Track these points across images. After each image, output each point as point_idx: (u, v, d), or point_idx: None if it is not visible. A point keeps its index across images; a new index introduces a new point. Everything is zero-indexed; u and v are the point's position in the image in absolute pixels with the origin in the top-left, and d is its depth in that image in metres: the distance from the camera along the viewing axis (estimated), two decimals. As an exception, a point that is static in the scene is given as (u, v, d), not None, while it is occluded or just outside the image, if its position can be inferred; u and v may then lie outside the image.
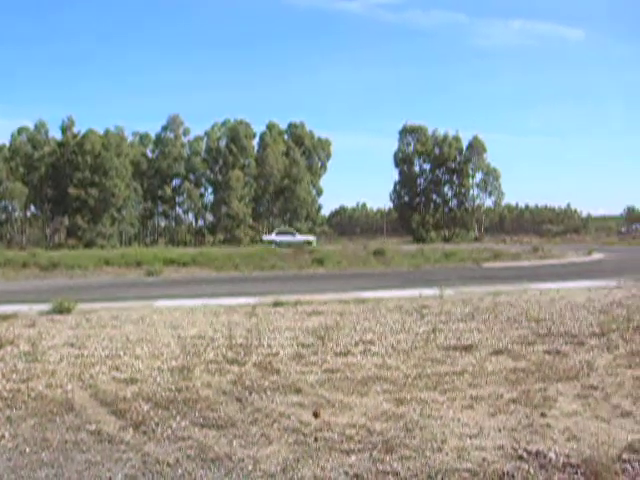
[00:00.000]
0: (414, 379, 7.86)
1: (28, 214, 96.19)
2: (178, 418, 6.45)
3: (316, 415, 6.39)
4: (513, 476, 4.89)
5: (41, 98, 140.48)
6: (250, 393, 7.36)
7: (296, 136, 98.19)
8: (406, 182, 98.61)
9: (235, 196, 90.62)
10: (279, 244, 55.83)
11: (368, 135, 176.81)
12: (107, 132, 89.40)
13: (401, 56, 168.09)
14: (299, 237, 63.15)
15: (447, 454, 5.33)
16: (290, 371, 8.40)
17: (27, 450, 5.64)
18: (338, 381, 7.84)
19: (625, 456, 5.22)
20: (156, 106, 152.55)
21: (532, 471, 4.96)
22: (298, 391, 7.41)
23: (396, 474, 4.96)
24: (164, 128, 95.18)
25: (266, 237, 67.32)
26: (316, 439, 5.71)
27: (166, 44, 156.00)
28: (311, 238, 63.32)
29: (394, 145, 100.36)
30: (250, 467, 5.13)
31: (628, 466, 5.04)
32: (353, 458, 5.29)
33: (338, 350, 9.56)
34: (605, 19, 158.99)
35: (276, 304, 14.47)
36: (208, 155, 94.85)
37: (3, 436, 6.03)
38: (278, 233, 65.61)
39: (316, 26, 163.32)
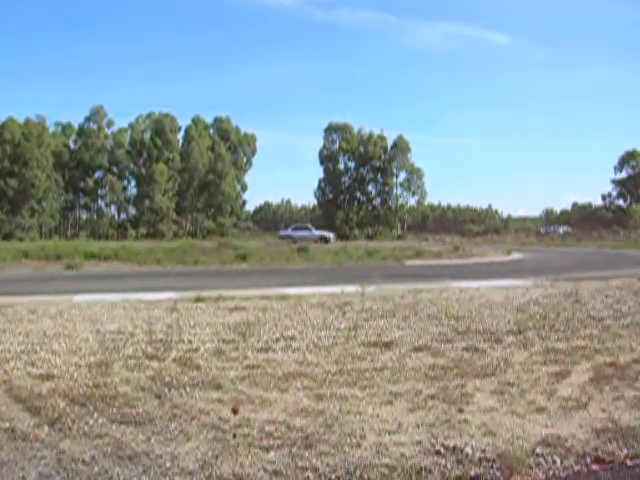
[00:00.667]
0: (334, 375, 7.87)
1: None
2: (95, 415, 6.30)
3: (235, 411, 6.34)
4: (431, 471, 4.94)
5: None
6: (169, 389, 7.25)
7: (222, 131, 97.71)
8: (331, 179, 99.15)
9: (159, 190, 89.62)
10: (295, 239, 55.44)
11: (294, 132, 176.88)
12: (28, 121, 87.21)
13: (329, 54, 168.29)
14: (316, 232, 63.11)
15: (366, 450, 5.35)
16: (210, 367, 8.32)
17: None
18: (258, 377, 7.80)
19: (539, 450, 5.33)
20: (79, 96, 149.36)
21: (449, 466, 5.02)
22: (218, 387, 7.34)
23: (315, 470, 4.95)
24: (87, 119, 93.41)
25: (282, 232, 66.74)
26: (234, 435, 5.66)
27: (91, 33, 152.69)
28: (327, 234, 63.09)
29: (320, 142, 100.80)
30: (168, 464, 5.05)
31: (542, 460, 5.15)
32: (272, 454, 5.26)
33: (259, 346, 9.51)
34: (528, 25, 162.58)
35: (198, 299, 14.32)
36: (132, 148, 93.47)
37: None
38: (294, 228, 65.31)
39: (244, 21, 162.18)
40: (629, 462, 5.17)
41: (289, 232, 63.76)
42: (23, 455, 5.28)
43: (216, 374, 7.95)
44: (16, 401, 6.84)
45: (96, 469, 4.98)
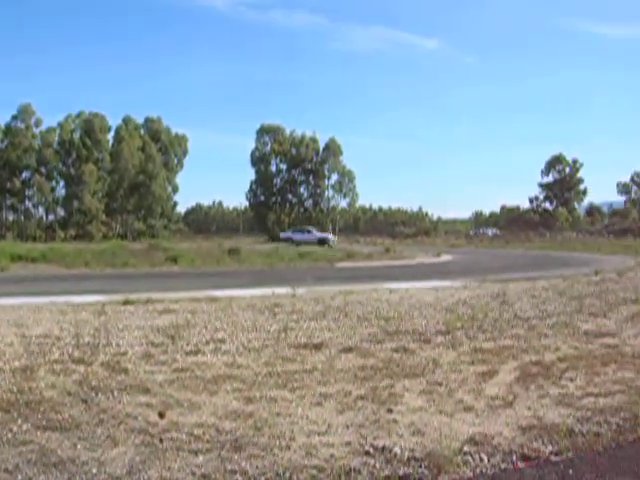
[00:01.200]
0: (264, 377, 7.83)
1: None
2: (19, 421, 6.12)
3: (161, 415, 6.25)
4: (359, 471, 4.95)
5: None
6: (96, 394, 7.10)
7: (152, 131, 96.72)
8: (262, 181, 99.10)
9: (88, 191, 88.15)
10: (296, 242, 54.69)
11: (226, 133, 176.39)
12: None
13: (263, 55, 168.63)
14: (317, 234, 62.39)
15: (295, 451, 5.33)
16: (139, 370, 8.18)
17: None
18: (187, 380, 7.70)
19: (466, 449, 5.39)
20: (6, 94, 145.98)
21: (378, 466, 5.03)
22: (146, 391, 7.23)
23: (244, 473, 4.91)
24: (14, 117, 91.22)
25: (283, 235, 65.89)
26: (161, 440, 5.57)
27: (20, 32, 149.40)
28: (330, 236, 62.37)
29: (252, 144, 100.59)
30: (95, 470, 4.93)
31: (469, 458, 5.20)
32: (201, 458, 5.19)
33: (188, 349, 9.40)
34: (459, 32, 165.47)
35: (126, 302, 14.10)
36: (61, 147, 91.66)
37: None
38: (294, 231, 64.56)
39: (177, 21, 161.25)
40: (554, 458, 5.26)
41: (289, 234, 63.43)
42: (-58, 464, 5.10)
43: (144, 378, 7.82)
44: None
45: (20, 477, 4.83)
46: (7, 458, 5.19)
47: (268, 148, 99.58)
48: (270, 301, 14.56)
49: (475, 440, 5.59)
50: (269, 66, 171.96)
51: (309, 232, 63.70)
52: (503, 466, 5.13)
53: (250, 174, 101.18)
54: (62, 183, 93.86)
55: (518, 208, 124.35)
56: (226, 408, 6.57)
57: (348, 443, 5.51)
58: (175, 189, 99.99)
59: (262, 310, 13.13)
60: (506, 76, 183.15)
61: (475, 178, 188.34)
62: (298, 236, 60.91)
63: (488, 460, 5.20)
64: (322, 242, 58.68)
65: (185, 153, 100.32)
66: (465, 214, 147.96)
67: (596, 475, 4.86)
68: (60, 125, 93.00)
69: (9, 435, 5.73)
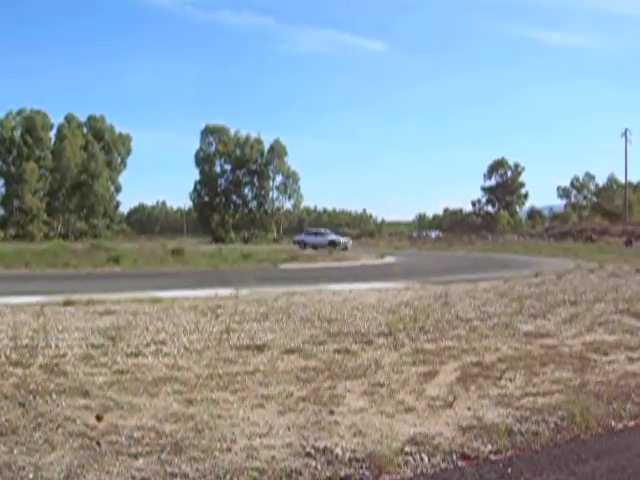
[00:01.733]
0: (205, 379, 7.78)
1: None
2: (-54, 426, 5.99)
3: (99, 418, 6.15)
4: (301, 473, 4.94)
5: None
6: (34, 397, 6.96)
7: (96, 130, 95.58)
8: (206, 182, 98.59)
9: (29, 189, 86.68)
10: (309, 245, 53.45)
11: (171, 133, 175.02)
12: None
13: (208, 55, 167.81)
14: (330, 237, 60.13)
15: (236, 454, 5.30)
16: (78, 373, 8.05)
17: None
18: (128, 382, 7.60)
19: (407, 449, 5.42)
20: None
21: (319, 467, 5.03)
22: (85, 394, 7.11)
23: (185, 476, 4.86)
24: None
25: (297, 237, 63.74)
26: (98, 443, 5.48)
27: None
28: (339, 238, 59.75)
29: (196, 144, 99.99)
30: (31, 475, 4.82)
31: (410, 458, 5.23)
32: (141, 461, 5.12)
33: (129, 351, 9.28)
34: (402, 34, 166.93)
35: (67, 303, 13.87)
36: (1, 145, 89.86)
37: None
38: (308, 233, 62.49)
39: (123, 20, 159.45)
40: (493, 457, 5.32)
41: (302, 237, 61.57)
42: None
43: (84, 380, 7.70)
44: None
45: (-49, 485, 4.73)
46: (-61, 465, 5.07)
47: (213, 148, 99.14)
48: (213, 302, 14.48)
49: (416, 440, 5.63)
50: (215, 66, 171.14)
51: (322, 234, 60.64)
52: (443, 466, 5.17)
53: (194, 174, 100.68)
54: (2, 181, 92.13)
55: (461, 211, 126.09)
56: (167, 410, 6.50)
57: (289, 445, 5.50)
58: (118, 189, 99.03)
59: (204, 311, 13.05)
60: (449, 77, 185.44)
61: (419, 180, 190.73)
62: (311, 239, 58.51)
63: (429, 460, 5.23)
64: (332, 244, 56.35)
65: (129, 152, 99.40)
66: (409, 216, 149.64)
67: (534, 473, 4.93)
68: (0, 122, 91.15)
69: (-58, 441, 5.60)
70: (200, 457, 5.22)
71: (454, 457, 5.33)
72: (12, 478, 4.81)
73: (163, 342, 9.90)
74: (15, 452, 5.31)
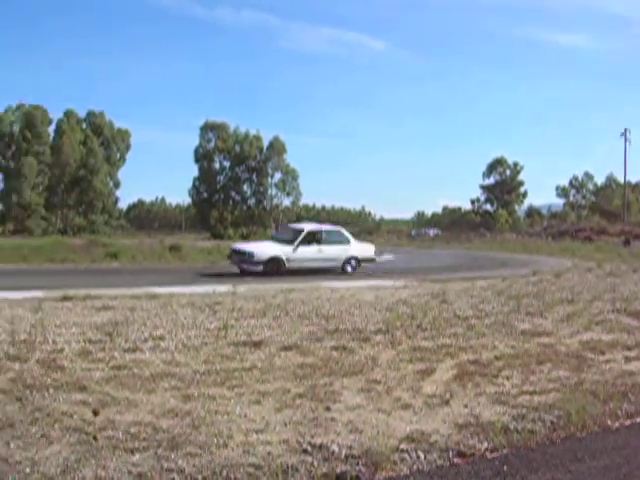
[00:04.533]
0: (203, 375, 7.79)
1: None
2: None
3: (95, 413, 6.16)
4: (297, 469, 4.95)
5: None
6: (31, 392, 6.98)
7: (95, 125, 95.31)
8: (205, 178, 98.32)
9: (28, 185, 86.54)
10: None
11: (170, 129, 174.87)
12: None
13: (209, 52, 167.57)
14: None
15: (233, 449, 5.31)
16: (75, 368, 8.06)
17: None
18: (125, 378, 7.61)
19: (403, 446, 5.44)
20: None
21: (316, 464, 5.05)
22: (83, 389, 7.12)
23: (181, 471, 4.88)
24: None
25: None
26: (95, 438, 5.49)
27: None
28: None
29: (196, 141, 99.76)
30: (28, 470, 4.85)
31: (406, 455, 5.26)
32: (137, 456, 5.14)
33: (127, 346, 9.29)
34: (404, 32, 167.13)
35: (65, 298, 13.83)
36: (0, 140, 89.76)
37: None
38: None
39: (123, 17, 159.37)
40: (489, 455, 5.35)
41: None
42: None
43: (81, 375, 7.71)
44: None
45: (-52, 479, 4.74)
46: (-63, 459, 5.09)
47: (212, 145, 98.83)
48: (211, 299, 14.46)
49: (412, 437, 5.65)
50: (215, 63, 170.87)
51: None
52: (439, 463, 5.20)
53: (193, 171, 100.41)
54: (0, 176, 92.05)
55: (460, 209, 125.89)
56: (164, 406, 6.51)
57: (286, 441, 5.52)
58: (117, 184, 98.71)
59: (202, 308, 13.04)
60: (450, 75, 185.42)
61: (418, 178, 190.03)
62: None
63: (425, 457, 5.26)
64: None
65: (128, 148, 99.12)
66: (408, 214, 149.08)
67: (530, 471, 4.95)
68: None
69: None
70: (197, 453, 5.24)
71: (450, 454, 5.35)
72: (8, 472, 4.82)
73: (161, 338, 9.90)
74: (12, 446, 5.32)
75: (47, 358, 8.53)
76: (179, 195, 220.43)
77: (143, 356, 8.75)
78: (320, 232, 26.21)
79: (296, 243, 24.66)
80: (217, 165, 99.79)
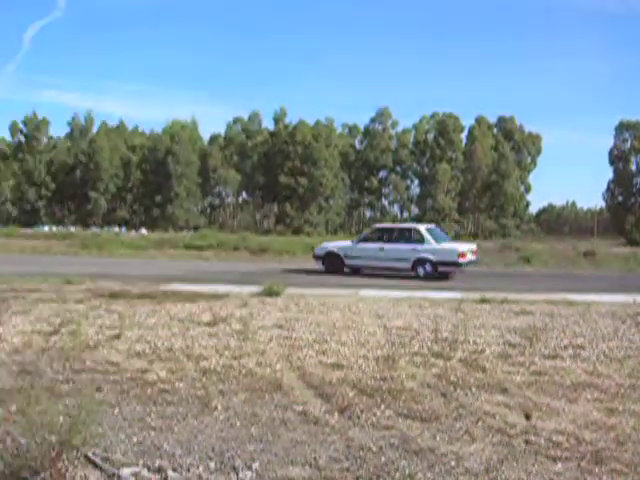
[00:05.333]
0: (627, 389, 7.46)
1: (240, 200, 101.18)
2: (382, 407, 6.53)
3: (527, 417, 6.27)
4: None
5: (255, 90, 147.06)
6: (455, 389, 7.33)
7: (505, 130, 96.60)
8: (621, 181, 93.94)
9: (441, 189, 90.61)
10: None
11: (582, 130, 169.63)
12: (317, 123, 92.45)
13: (620, 47, 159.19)
14: None
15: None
16: (496, 370, 8.25)
17: (237, 424, 5.93)
18: (545, 384, 7.63)
19: None
20: (364, 99, 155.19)
21: None
22: (504, 391, 7.29)
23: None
24: (372, 120, 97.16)
25: None
26: (527, 442, 5.57)
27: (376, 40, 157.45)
28: None
29: (609, 142, 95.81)
30: (453, 463, 5.13)
31: None
32: (560, 465, 5.19)
33: (546, 352, 9.24)
34: None
35: (482, 301, 14.16)
36: (415, 148, 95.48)
37: (216, 407, 6.36)
38: None
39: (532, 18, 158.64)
40: None
41: None
42: (315, 438, 5.60)
43: (502, 377, 7.91)
44: (308, 387, 7.28)
45: (383, 459, 5.15)
46: (372, 440, 5.60)
47: (628, 145, 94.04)
48: (631, 309, 13.67)
49: None
50: (629, 57, 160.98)
51: None
52: None
53: (607, 173, 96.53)
54: (416, 182, 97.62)
55: None
56: (586, 417, 6.39)
57: None
58: (528, 189, 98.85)
59: (623, 318, 12.41)
60: None
61: None
62: None
63: None
64: None
65: (539, 152, 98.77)
66: None
67: None
68: (415, 126, 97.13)
69: (373, 419, 6.15)
70: (622, 470, 5.04)
71: None
72: (435, 463, 5.11)
73: (581, 346, 9.67)
74: (437, 439, 5.65)
75: (468, 358, 8.84)
76: (591, 199, 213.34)
77: (563, 364, 8.64)
78: None
79: None
80: (634, 167, 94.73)
